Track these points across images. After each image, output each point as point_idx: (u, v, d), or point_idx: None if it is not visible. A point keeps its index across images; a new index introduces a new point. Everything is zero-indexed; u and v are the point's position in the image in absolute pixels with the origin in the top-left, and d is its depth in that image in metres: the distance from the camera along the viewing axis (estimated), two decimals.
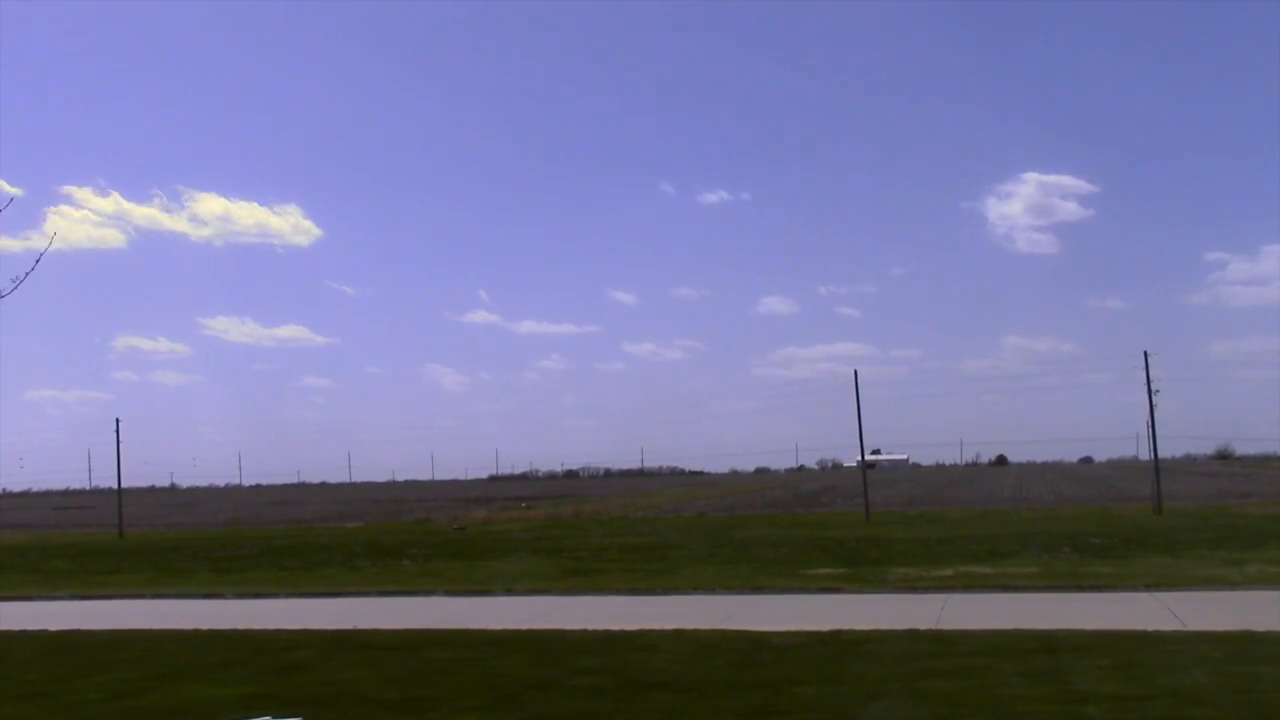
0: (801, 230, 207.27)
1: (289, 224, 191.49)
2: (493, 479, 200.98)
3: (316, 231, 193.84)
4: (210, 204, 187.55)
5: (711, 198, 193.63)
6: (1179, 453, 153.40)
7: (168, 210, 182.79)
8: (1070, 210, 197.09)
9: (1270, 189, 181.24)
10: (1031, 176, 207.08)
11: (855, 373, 45.51)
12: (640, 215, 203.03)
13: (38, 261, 10.88)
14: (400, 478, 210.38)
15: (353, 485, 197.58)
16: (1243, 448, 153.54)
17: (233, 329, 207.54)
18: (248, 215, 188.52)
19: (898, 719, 8.59)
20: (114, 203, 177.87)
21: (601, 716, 8.95)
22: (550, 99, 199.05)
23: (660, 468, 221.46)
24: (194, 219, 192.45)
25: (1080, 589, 16.31)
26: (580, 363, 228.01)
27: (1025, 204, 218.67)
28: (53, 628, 15.42)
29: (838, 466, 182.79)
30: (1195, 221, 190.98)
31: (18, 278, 10.54)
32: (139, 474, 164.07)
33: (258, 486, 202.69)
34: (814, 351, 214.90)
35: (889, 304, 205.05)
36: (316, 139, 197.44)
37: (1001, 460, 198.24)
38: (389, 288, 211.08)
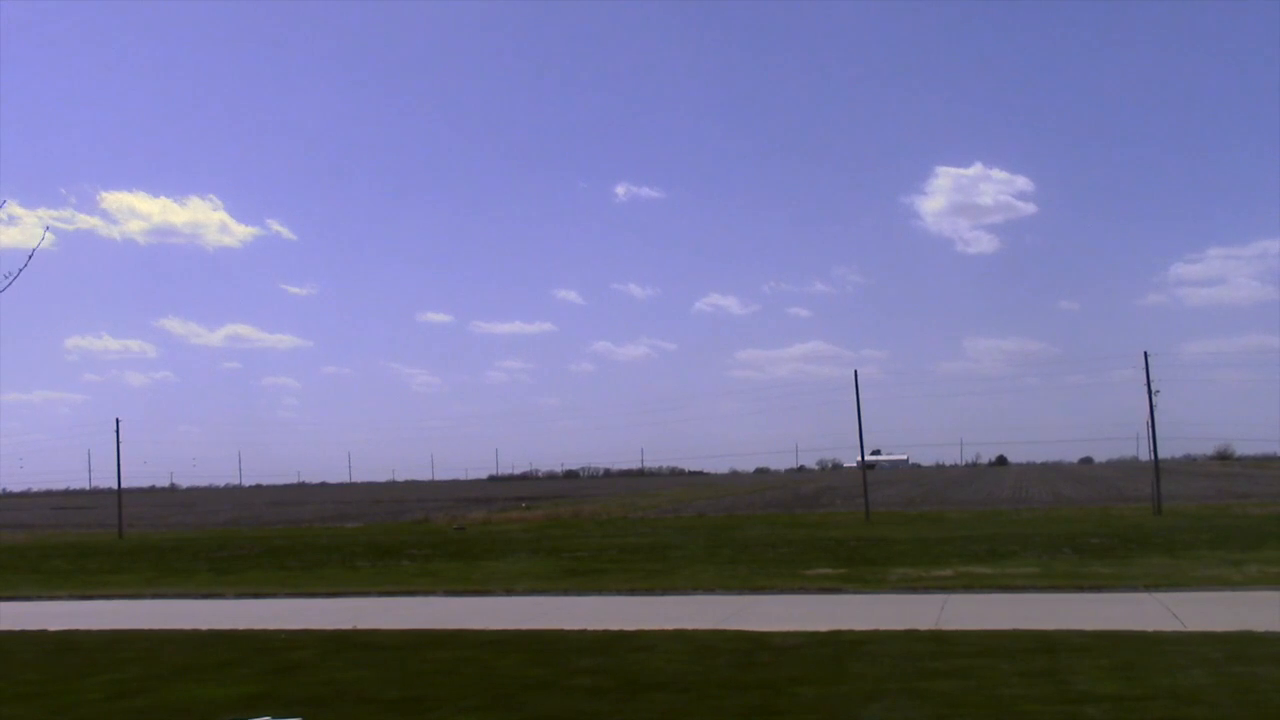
0: (735, 227, 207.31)
1: (214, 221, 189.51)
2: (493, 479, 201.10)
3: (251, 230, 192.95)
4: (128, 203, 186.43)
5: (640, 193, 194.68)
6: (1179, 453, 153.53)
7: (86, 211, 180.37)
8: (1011, 206, 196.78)
9: (1218, 187, 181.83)
10: (963, 171, 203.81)
11: (855, 373, 45.55)
12: (569, 212, 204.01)
13: (29, 258, 10.89)
14: (400, 478, 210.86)
15: (352, 485, 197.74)
16: (1242, 448, 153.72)
17: (180, 328, 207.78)
18: (174, 215, 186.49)
19: (897, 719, 8.59)
20: (30, 203, 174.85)
21: (601, 716, 8.95)
22: (473, 91, 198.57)
23: (660, 468, 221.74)
24: (112, 219, 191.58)
25: (1080, 589, 16.30)
26: (547, 363, 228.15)
27: (964, 201, 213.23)
28: (53, 628, 15.42)
29: (838, 467, 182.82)
30: (1141, 221, 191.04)
31: (10, 274, 10.54)
32: (139, 474, 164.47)
33: (258, 487, 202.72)
34: (783, 352, 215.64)
35: (840, 303, 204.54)
36: (237, 136, 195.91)
37: (1001, 460, 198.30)
38: (332, 287, 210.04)
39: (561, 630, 13.53)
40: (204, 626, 14.99)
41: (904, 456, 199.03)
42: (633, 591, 17.96)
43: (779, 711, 8.86)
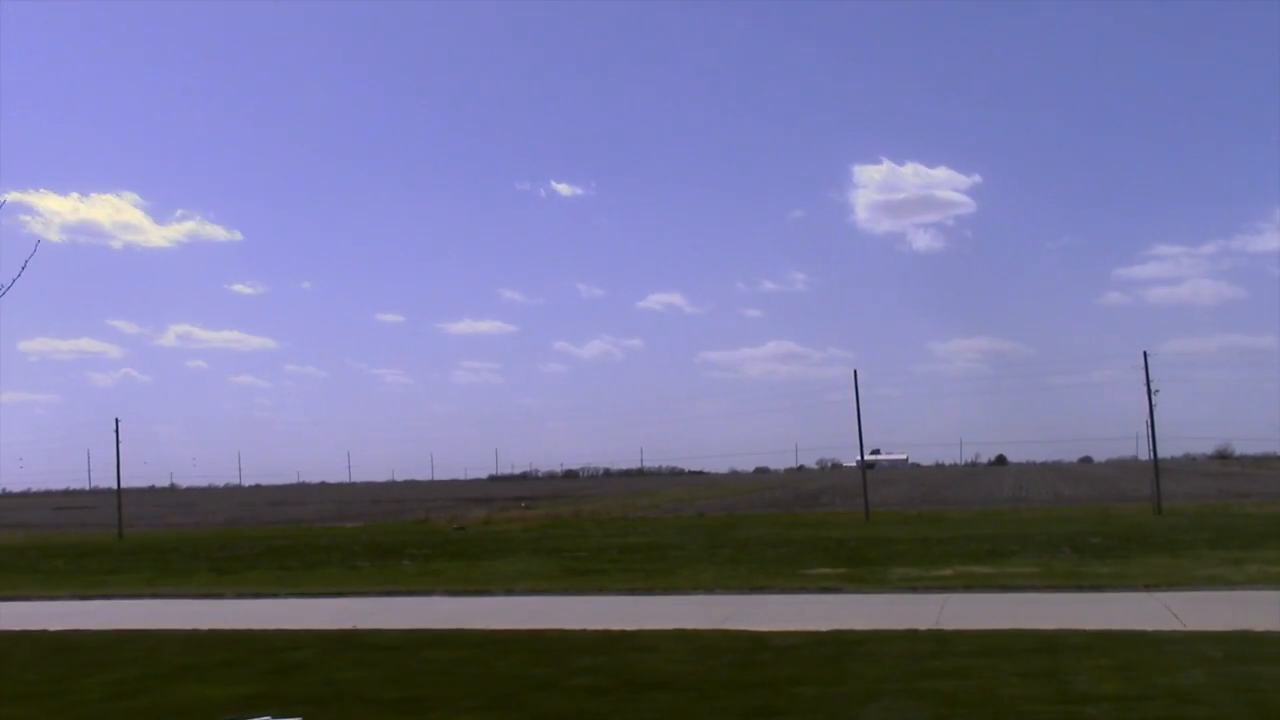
0: (666, 226, 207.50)
1: (137, 220, 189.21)
2: (492, 479, 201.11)
3: (185, 228, 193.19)
4: (47, 204, 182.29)
5: (570, 191, 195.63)
6: (1179, 453, 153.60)
7: (8, 212, 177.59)
8: (950, 202, 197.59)
9: (1163, 184, 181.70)
10: (877, 168, 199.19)
11: (855, 373, 45.52)
12: (502, 210, 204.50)
13: (25, 265, 11.00)
14: (400, 478, 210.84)
15: (352, 485, 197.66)
16: (1242, 448, 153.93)
17: (131, 329, 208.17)
18: (97, 214, 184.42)
19: (897, 719, 8.59)
20: None
21: (601, 716, 8.95)
22: (407, 88, 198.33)
23: (660, 467, 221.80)
24: (40, 218, 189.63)
25: (1080, 589, 16.30)
26: (514, 363, 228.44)
27: (890, 199, 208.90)
28: (53, 628, 15.42)
29: (837, 466, 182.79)
30: (1087, 217, 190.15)
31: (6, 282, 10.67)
32: (139, 474, 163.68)
33: (257, 486, 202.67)
34: (752, 352, 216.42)
35: (793, 303, 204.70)
36: (160, 133, 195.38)
37: (1001, 460, 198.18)
38: (281, 287, 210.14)
39: (562, 630, 13.52)
40: (204, 626, 14.99)
41: (904, 456, 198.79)
42: (633, 591, 17.96)
43: (779, 711, 8.87)
